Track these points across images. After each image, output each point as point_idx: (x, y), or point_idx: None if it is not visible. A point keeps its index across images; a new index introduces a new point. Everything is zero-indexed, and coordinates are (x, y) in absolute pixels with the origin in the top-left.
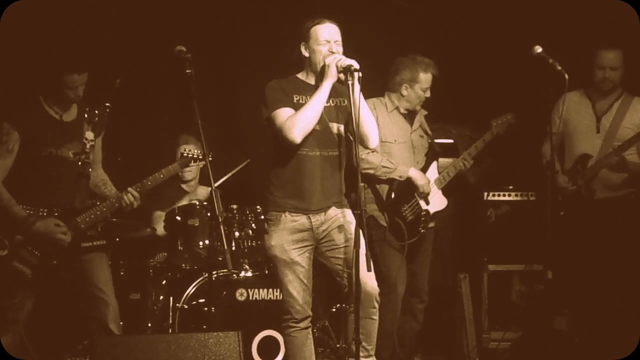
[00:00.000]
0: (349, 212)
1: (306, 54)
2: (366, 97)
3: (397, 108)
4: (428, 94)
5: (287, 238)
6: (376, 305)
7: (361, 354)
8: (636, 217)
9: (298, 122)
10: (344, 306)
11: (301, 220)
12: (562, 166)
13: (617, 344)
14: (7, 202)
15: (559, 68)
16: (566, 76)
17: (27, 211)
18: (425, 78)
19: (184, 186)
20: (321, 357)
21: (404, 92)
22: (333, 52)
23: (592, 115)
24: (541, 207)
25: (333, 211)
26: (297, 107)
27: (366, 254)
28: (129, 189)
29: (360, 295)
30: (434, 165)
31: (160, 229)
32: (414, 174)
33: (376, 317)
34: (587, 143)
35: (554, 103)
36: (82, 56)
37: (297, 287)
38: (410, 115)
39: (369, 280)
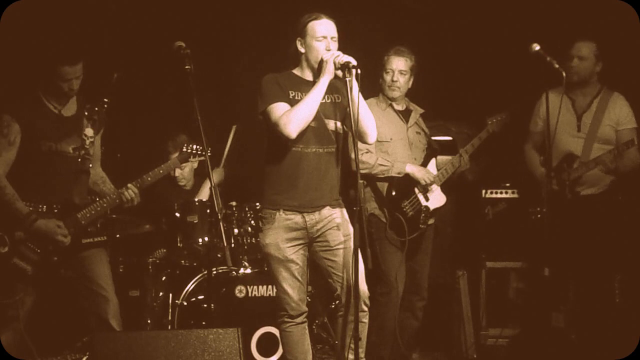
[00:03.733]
0: (344, 212)
1: (302, 50)
2: (364, 95)
3: (390, 105)
4: (396, 79)
5: (281, 236)
6: (365, 308)
7: (351, 357)
8: (619, 213)
9: (294, 117)
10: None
11: (295, 218)
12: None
13: (617, 343)
14: (10, 197)
15: (557, 66)
16: (564, 74)
17: (28, 207)
18: (387, 60)
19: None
20: (320, 354)
21: (381, 80)
22: (329, 49)
23: (572, 114)
24: (526, 205)
25: (327, 211)
26: (292, 102)
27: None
28: (129, 185)
29: (351, 297)
30: (432, 162)
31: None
32: (411, 168)
33: (366, 320)
34: (569, 142)
35: (535, 102)
36: (76, 49)
37: (292, 284)
38: (405, 113)
39: (359, 282)
